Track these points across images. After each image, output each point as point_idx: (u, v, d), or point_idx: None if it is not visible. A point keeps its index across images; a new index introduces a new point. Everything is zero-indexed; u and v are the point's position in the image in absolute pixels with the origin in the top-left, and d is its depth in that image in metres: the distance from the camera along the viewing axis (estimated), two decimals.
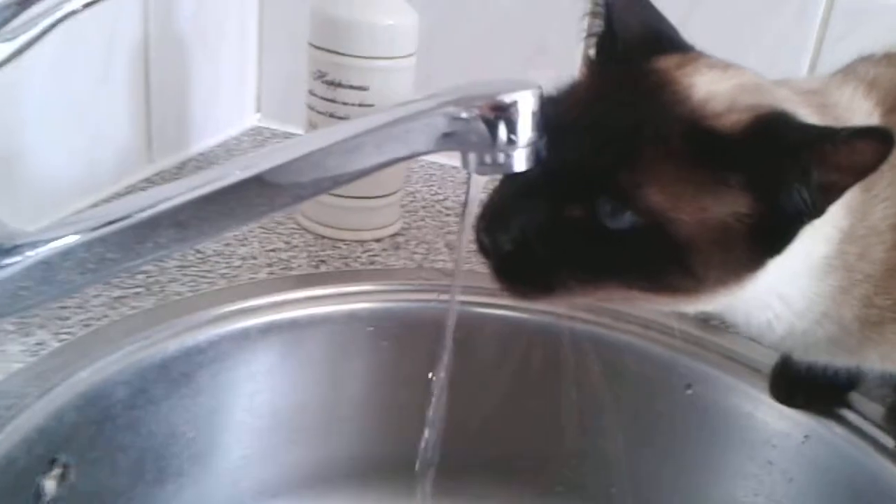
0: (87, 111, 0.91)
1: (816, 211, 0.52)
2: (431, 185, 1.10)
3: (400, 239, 0.95)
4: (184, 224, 0.55)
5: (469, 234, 0.56)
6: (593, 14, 0.61)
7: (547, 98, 0.53)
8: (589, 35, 0.62)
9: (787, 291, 0.60)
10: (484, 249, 0.56)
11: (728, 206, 0.52)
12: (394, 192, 0.95)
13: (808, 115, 0.56)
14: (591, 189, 0.53)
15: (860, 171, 0.51)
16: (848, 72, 0.64)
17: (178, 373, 0.73)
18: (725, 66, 0.59)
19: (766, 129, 0.52)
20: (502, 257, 0.56)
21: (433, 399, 0.65)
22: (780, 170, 0.51)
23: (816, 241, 0.57)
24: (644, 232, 0.52)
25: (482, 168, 0.52)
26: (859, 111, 0.60)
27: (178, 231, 0.55)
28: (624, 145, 0.53)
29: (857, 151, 0.49)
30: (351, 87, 0.88)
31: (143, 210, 0.54)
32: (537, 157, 0.52)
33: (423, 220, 1.00)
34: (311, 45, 0.89)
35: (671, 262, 0.53)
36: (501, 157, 0.51)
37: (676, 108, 0.54)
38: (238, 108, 1.20)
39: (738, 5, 1.02)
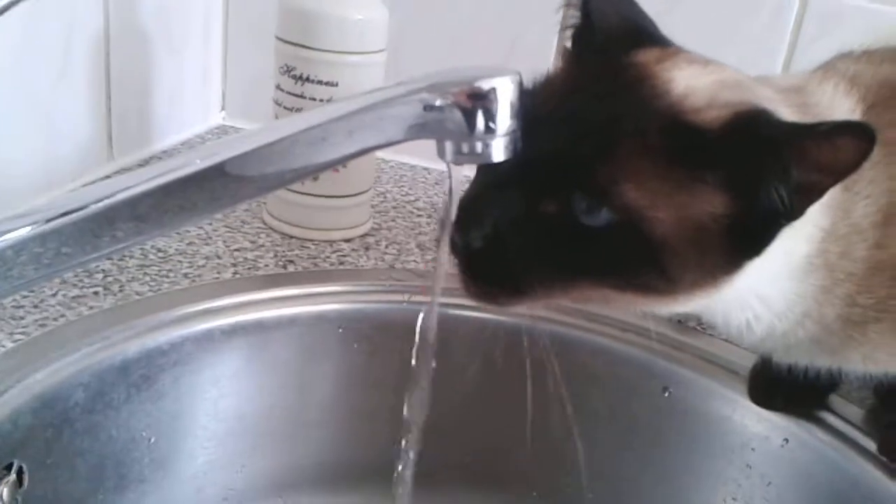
0: (46, 106, 0.88)
1: (794, 212, 0.51)
2: (402, 186, 1.08)
3: (370, 239, 0.92)
4: (143, 216, 0.52)
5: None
6: (569, 5, 0.60)
7: (522, 90, 0.51)
8: (565, 27, 0.60)
9: (766, 292, 0.59)
10: (455, 248, 0.54)
11: (705, 204, 0.51)
12: (364, 192, 0.93)
13: (789, 114, 0.54)
14: (566, 183, 0.51)
15: (841, 170, 0.49)
16: (828, 69, 0.63)
17: (139, 375, 0.70)
18: (706, 61, 0.57)
19: (745, 125, 0.50)
20: (472, 255, 0.54)
21: (410, 403, 0.62)
22: (758, 168, 0.50)
23: (797, 241, 0.56)
24: (619, 230, 0.51)
25: (459, 157, 0.49)
26: (840, 109, 0.58)
27: (137, 223, 0.53)
28: (601, 139, 0.51)
29: (837, 148, 0.48)
30: (319, 82, 0.86)
31: (99, 200, 0.51)
32: (513, 149, 0.50)
33: (393, 220, 0.98)
34: (279, 38, 0.87)
35: (646, 262, 0.52)
36: (479, 147, 0.49)
37: (655, 102, 0.52)
38: (202, 105, 1.18)
39: (716, 5, 1.01)
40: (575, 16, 0.59)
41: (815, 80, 0.61)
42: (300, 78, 0.86)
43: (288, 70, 0.86)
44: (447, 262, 0.56)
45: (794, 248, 0.56)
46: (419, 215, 1.00)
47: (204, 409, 0.76)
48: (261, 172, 0.52)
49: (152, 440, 0.72)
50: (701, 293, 0.55)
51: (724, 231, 0.52)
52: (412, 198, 1.05)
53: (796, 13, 1.00)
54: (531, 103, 0.52)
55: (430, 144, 0.53)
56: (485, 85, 0.48)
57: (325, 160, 0.52)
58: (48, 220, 0.52)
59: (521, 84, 0.49)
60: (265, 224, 0.91)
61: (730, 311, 0.60)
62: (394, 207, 1.01)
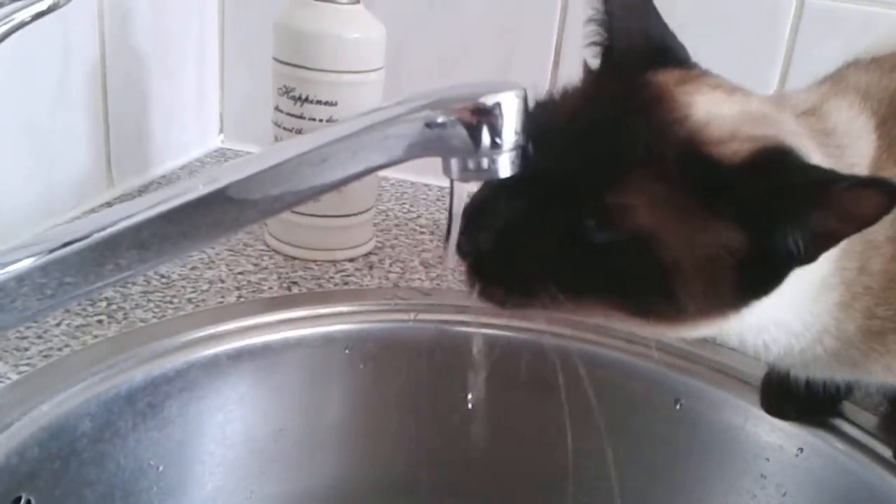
0: (44, 133, 0.88)
1: (808, 257, 0.50)
2: (403, 203, 1.07)
3: (373, 258, 0.92)
4: (146, 244, 0.52)
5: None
6: (592, 21, 0.58)
7: (540, 102, 0.50)
8: (589, 44, 0.58)
9: (782, 317, 0.57)
10: (462, 251, 0.53)
11: (719, 237, 0.50)
12: (366, 211, 0.92)
13: (813, 148, 0.53)
14: (575, 204, 0.50)
15: (861, 222, 0.48)
16: (839, 80, 0.62)
17: (145, 403, 0.70)
18: (731, 88, 0.55)
19: (768, 164, 0.49)
20: (480, 258, 0.53)
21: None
22: (777, 210, 0.49)
23: (816, 263, 0.54)
24: (629, 250, 0.50)
25: (465, 174, 0.49)
26: (857, 132, 0.57)
27: (140, 251, 0.52)
28: (613, 162, 0.50)
29: (860, 201, 0.47)
30: (319, 102, 0.85)
31: (102, 229, 0.51)
32: (524, 160, 0.49)
33: (396, 238, 0.97)
34: (276, 60, 0.86)
35: (653, 286, 0.50)
36: (485, 163, 0.48)
37: (673, 127, 0.51)
38: (200, 128, 1.17)
39: (712, 10, 1.01)
40: (598, 32, 0.58)
41: (829, 96, 0.60)
42: (299, 98, 0.85)
43: (287, 91, 0.86)
44: (453, 281, 0.55)
45: (812, 269, 0.54)
46: (422, 233, 0.99)
47: (211, 436, 0.75)
48: (264, 196, 0.51)
49: (160, 468, 0.71)
50: (708, 323, 0.53)
51: (736, 265, 0.50)
52: (414, 215, 1.04)
53: (792, 17, 1.00)
54: (545, 116, 0.51)
55: (430, 161, 0.52)
56: (489, 100, 0.47)
57: (329, 181, 0.51)
58: (51, 251, 0.51)
59: (525, 99, 0.48)
60: (268, 246, 0.91)
61: (745, 335, 0.59)
62: (396, 225, 1.01)
